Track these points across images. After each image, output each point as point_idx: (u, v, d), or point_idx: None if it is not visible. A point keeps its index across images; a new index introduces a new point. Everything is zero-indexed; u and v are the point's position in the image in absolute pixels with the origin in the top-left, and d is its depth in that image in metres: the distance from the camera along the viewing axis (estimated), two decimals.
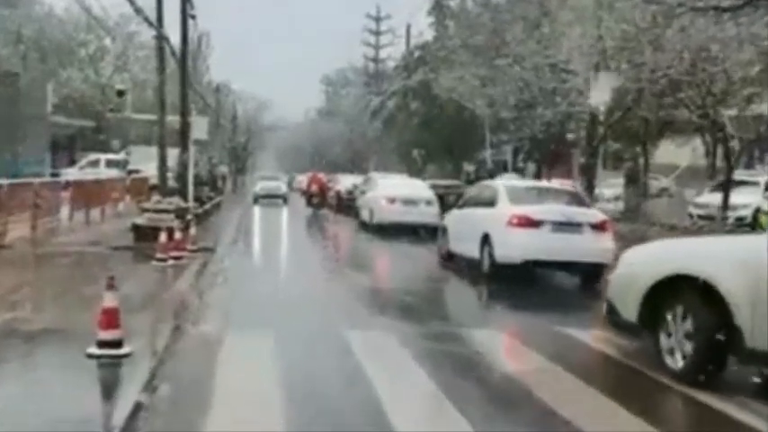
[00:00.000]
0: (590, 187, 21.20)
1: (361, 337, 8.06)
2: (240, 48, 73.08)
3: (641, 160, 31.02)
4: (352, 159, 63.77)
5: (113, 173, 32.57)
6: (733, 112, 20.41)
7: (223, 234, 19.79)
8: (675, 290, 6.74)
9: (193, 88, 25.64)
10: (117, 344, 6.47)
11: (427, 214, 21.66)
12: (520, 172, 34.62)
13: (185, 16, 20.36)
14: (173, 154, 20.28)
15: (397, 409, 5.68)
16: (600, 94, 19.85)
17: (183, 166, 20.61)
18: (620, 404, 5.97)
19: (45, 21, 48.77)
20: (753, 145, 21.97)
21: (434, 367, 6.99)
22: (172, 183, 20.06)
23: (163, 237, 12.74)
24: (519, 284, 12.44)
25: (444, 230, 15.46)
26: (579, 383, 6.63)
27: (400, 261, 16.84)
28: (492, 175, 31.70)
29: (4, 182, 15.14)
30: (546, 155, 34.23)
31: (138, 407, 5.40)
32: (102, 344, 6.42)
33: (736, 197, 22.39)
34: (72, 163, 39.60)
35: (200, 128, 22.17)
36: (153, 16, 18.42)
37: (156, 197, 17.70)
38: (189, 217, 16.99)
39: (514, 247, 12.22)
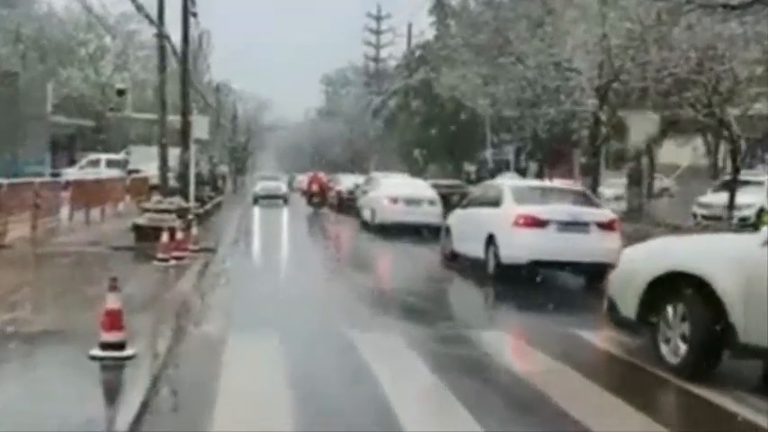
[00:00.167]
0: (594, 187, 21.05)
1: (366, 339, 7.96)
2: (240, 47, 72.71)
3: (644, 160, 30.88)
4: (352, 159, 63.63)
5: (114, 173, 32.45)
6: (738, 111, 20.27)
7: (224, 234, 19.67)
8: (672, 287, 6.87)
9: (194, 87, 25.51)
10: (120, 346, 6.35)
11: (430, 214, 21.54)
12: (522, 172, 34.47)
13: (186, 14, 20.23)
14: (173, 154, 20.15)
15: (406, 411, 5.60)
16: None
17: (185, 165, 20.48)
18: (630, 403, 5.97)
19: (45, 20, 48.64)
20: (756, 144, 21.84)
21: (443, 369, 6.88)
22: (173, 182, 19.93)
23: (164, 237, 12.61)
24: (524, 285, 12.33)
25: (448, 230, 15.33)
26: (587, 382, 6.62)
27: (403, 261, 16.71)
28: (493, 175, 31.61)
29: (4, 181, 15.02)
30: (548, 154, 34.11)
31: (143, 409, 5.31)
32: (106, 346, 6.30)
33: (740, 197, 22.28)
34: (72, 163, 39.49)
35: (201, 127, 22.05)
36: (154, 14, 18.31)
37: (156, 197, 17.56)
38: (190, 217, 16.86)
39: (520, 247, 12.09)
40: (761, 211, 21.00)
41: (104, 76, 49.25)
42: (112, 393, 5.88)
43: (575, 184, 21.78)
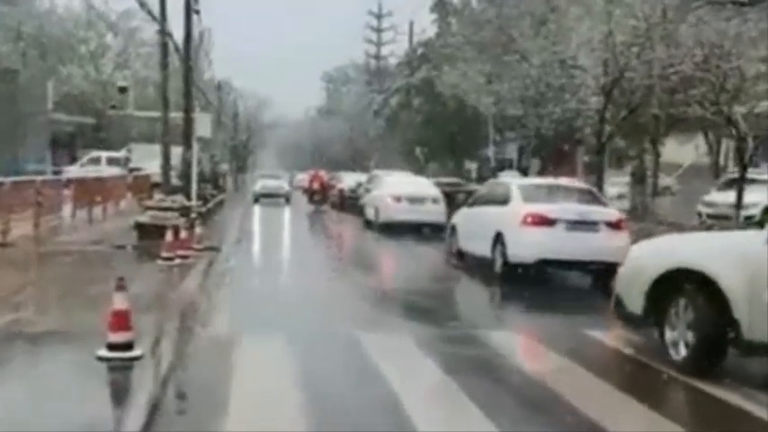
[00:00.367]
0: (599, 185, 20.92)
1: (374, 339, 7.87)
2: (240, 44, 72.55)
3: (647, 158, 30.75)
4: (353, 157, 63.46)
5: (115, 170, 32.36)
6: (744, 109, 20.13)
7: (228, 232, 19.56)
8: (678, 283, 6.94)
9: (196, 85, 25.38)
10: (128, 346, 6.24)
11: (434, 213, 21.43)
12: (524, 171, 34.28)
13: (189, 11, 20.09)
14: (175, 152, 20.03)
15: (418, 411, 5.54)
16: None
17: (187, 163, 20.36)
18: (642, 401, 5.99)
19: (45, 17, 48.52)
20: (762, 143, 21.69)
21: (454, 369, 6.78)
22: (175, 180, 19.82)
23: (169, 235, 12.49)
24: (532, 284, 12.23)
25: (454, 229, 15.22)
26: (598, 381, 6.63)
27: (409, 260, 16.59)
28: (494, 174, 31.49)
29: (6, 180, 14.91)
30: (552, 153, 33.99)
31: (153, 411, 5.21)
32: (113, 346, 6.19)
33: (746, 196, 22.12)
34: (73, 160, 39.39)
35: (203, 125, 21.93)
36: (156, 11, 18.20)
37: (159, 195, 17.45)
38: (193, 215, 16.75)
39: (528, 246, 11.97)
40: (767, 210, 20.86)
41: (105, 74, 49.16)
42: (121, 395, 5.78)
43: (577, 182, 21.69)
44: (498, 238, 12.54)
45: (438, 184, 24.71)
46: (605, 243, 11.82)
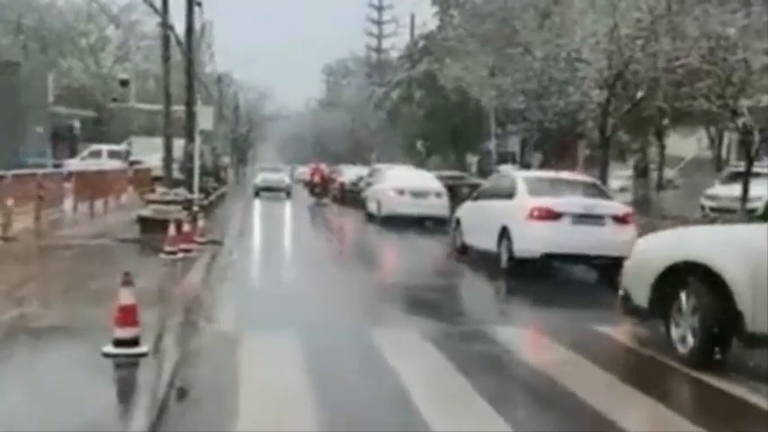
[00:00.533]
0: (603, 178, 20.81)
1: (383, 335, 7.84)
2: (240, 36, 72.32)
3: (650, 151, 30.67)
4: (353, 150, 63.32)
5: (115, 164, 32.27)
6: (749, 102, 20.00)
7: (230, 226, 19.47)
8: (683, 276, 7.03)
9: (198, 78, 25.27)
10: (134, 342, 6.15)
11: (436, 206, 21.36)
12: (526, 166, 34.13)
13: (191, 3, 19.97)
14: (176, 145, 19.91)
15: (427, 405, 5.52)
16: None
17: (189, 156, 20.25)
18: (650, 396, 6.01)
19: (45, 10, 48.38)
20: (765, 136, 21.58)
21: (462, 365, 6.71)
22: (176, 174, 19.72)
23: (172, 229, 12.39)
24: (537, 278, 12.16)
25: (458, 223, 15.13)
26: (608, 376, 6.65)
27: (413, 254, 16.51)
28: (493, 168, 31.43)
29: (8, 173, 14.82)
30: (554, 146, 33.84)
31: (162, 408, 5.15)
32: (119, 342, 6.10)
33: (749, 189, 22.03)
34: (73, 154, 39.28)
35: (205, 118, 21.77)
36: (157, 4, 18.08)
37: (161, 188, 17.36)
38: (196, 208, 16.67)
39: (534, 240, 11.88)
40: None
41: (105, 68, 49.01)
42: (128, 392, 5.69)
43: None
44: (504, 233, 12.45)
45: (440, 178, 24.62)
46: (612, 237, 11.74)
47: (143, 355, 6.12)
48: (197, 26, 23.75)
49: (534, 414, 5.85)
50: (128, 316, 6.17)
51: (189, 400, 5.66)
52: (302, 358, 6.72)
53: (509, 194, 12.99)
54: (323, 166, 37.24)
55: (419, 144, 45.69)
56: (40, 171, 18.07)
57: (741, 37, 18.39)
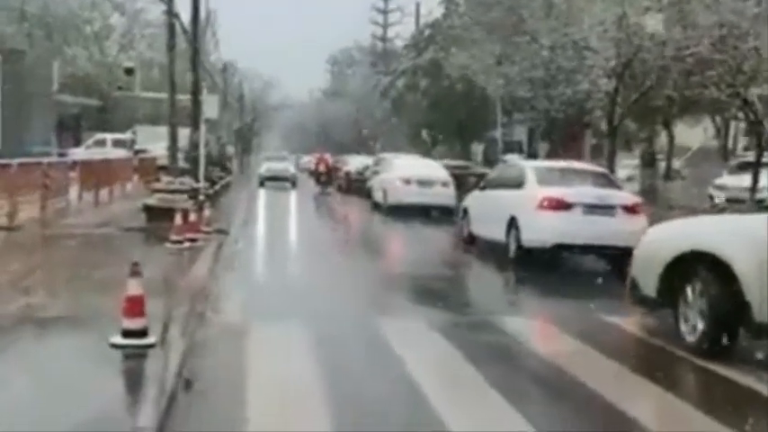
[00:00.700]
0: (611, 168, 20.68)
1: (390, 324, 7.80)
2: (245, 25, 72.03)
3: (657, 140, 30.50)
4: (358, 140, 63.15)
5: (120, 152, 32.20)
6: (759, 90, 19.83)
7: (235, 215, 19.40)
8: (691, 266, 7.03)
9: (203, 66, 25.16)
10: (142, 333, 6.08)
11: (443, 195, 21.28)
12: (533, 155, 33.92)
13: None
14: (181, 134, 19.85)
15: (437, 395, 5.48)
16: None
17: (195, 145, 20.18)
18: (660, 385, 6.01)
19: None
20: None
21: (471, 354, 6.67)
22: (182, 163, 19.65)
23: (178, 218, 12.33)
24: (546, 268, 12.06)
25: (465, 212, 15.03)
26: (618, 366, 6.63)
27: (420, 244, 16.41)
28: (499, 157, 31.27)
29: (14, 162, 14.75)
30: (561, 136, 33.64)
31: (171, 399, 5.10)
32: (127, 333, 6.03)
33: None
34: (78, 143, 39.21)
35: (211, 106, 21.72)
36: None
37: (167, 177, 17.29)
38: (201, 198, 16.60)
39: (544, 230, 11.78)
40: None
41: (110, 56, 48.86)
42: (137, 383, 5.62)
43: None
44: (513, 222, 12.35)
45: (446, 167, 24.52)
46: (622, 227, 11.62)
47: (151, 346, 6.05)
48: (202, 14, 23.64)
49: (544, 403, 5.83)
50: (135, 307, 6.10)
51: (196, 391, 5.60)
52: (309, 348, 6.67)
53: (518, 184, 12.88)
54: (327, 156, 37.12)
55: (424, 133, 45.48)
56: (46, 160, 17.99)
57: (752, 25, 18.19)
